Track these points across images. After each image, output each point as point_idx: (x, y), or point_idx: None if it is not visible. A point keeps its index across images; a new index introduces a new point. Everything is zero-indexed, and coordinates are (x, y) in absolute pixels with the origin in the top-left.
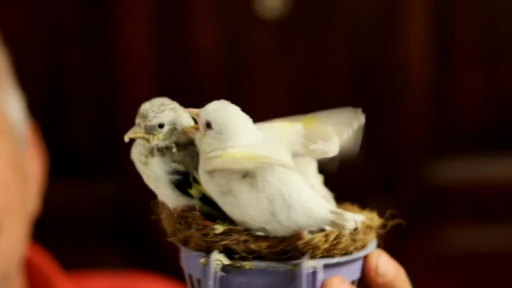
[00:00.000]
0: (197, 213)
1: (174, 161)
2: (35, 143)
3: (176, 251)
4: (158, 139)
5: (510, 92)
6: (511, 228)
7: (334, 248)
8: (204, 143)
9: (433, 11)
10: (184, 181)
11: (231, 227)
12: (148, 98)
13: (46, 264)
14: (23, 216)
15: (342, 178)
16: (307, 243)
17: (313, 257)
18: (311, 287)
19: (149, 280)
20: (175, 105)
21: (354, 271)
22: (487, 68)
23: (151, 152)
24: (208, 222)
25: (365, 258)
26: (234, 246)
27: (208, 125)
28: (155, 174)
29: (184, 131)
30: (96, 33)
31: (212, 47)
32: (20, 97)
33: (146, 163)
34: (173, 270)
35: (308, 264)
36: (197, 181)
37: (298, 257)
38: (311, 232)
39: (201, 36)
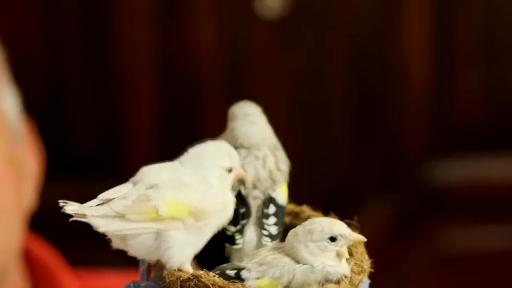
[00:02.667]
0: None
1: None
2: (32, 140)
3: None
4: None
5: (510, 92)
6: (511, 228)
7: None
8: None
9: (433, 11)
10: None
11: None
12: (148, 97)
13: (51, 260)
14: (18, 212)
15: (343, 178)
16: None
17: None
18: None
19: None
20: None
21: None
22: (487, 68)
23: None
24: None
25: None
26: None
27: None
28: None
29: None
30: (97, 32)
31: (212, 47)
32: (16, 93)
33: None
34: None
35: None
36: None
37: None
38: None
39: (201, 36)
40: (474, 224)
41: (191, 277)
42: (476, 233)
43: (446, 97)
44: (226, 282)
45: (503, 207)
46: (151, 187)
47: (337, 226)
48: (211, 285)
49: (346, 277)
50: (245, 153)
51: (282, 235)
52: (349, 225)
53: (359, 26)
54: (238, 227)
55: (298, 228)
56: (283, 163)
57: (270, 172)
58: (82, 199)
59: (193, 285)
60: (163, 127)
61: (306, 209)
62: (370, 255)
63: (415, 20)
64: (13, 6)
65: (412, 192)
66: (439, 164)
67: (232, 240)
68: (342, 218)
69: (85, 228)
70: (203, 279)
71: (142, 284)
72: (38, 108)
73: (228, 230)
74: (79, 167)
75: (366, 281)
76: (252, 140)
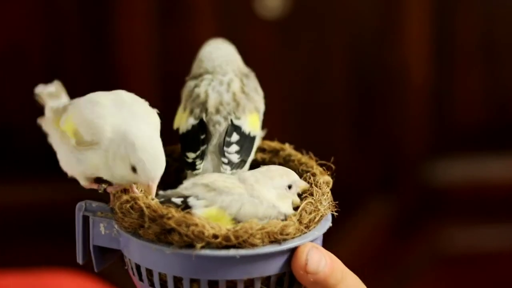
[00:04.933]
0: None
1: None
2: None
3: None
4: None
5: (510, 92)
6: (511, 228)
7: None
8: None
9: (433, 12)
10: None
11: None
12: (148, 96)
13: None
14: None
15: (343, 178)
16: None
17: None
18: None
19: (58, 275)
20: None
21: (274, 266)
22: (486, 68)
23: None
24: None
25: (294, 251)
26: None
27: None
28: None
29: None
30: (97, 32)
31: None
32: None
33: None
34: None
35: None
36: None
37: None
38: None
39: (201, 36)
40: (474, 224)
41: (129, 199)
42: (476, 233)
43: (446, 97)
44: (159, 205)
45: (503, 207)
46: (71, 103)
47: (291, 174)
48: (145, 208)
49: (294, 215)
50: (210, 79)
51: (251, 168)
52: (322, 165)
53: (359, 26)
54: (198, 152)
55: (257, 174)
56: (253, 92)
57: (234, 94)
58: (82, 199)
59: (129, 207)
60: (164, 126)
61: (287, 147)
62: (370, 255)
63: (415, 20)
64: (13, 6)
65: (412, 192)
66: (439, 164)
67: (193, 166)
68: (342, 218)
69: None
70: (139, 202)
71: (94, 205)
72: (38, 109)
73: (188, 158)
74: None
75: (325, 223)
76: (215, 62)
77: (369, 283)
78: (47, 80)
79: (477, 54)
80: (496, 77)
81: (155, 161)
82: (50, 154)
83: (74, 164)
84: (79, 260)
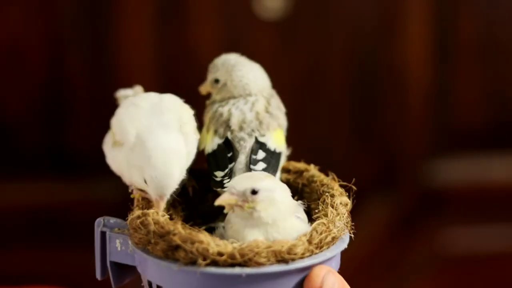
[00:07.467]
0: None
1: None
2: None
3: None
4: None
5: (510, 92)
6: (511, 228)
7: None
8: None
9: (434, 12)
10: None
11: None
12: None
13: None
14: None
15: (342, 178)
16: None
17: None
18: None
19: None
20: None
21: (283, 287)
22: (487, 68)
23: None
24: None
25: (305, 272)
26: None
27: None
28: None
29: None
30: (97, 33)
31: (211, 48)
32: None
33: None
34: None
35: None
36: None
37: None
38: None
39: (201, 37)
40: (474, 224)
41: (141, 215)
42: (476, 233)
43: (446, 97)
44: (168, 221)
45: (503, 207)
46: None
47: (238, 182)
48: (152, 224)
49: (305, 235)
50: (236, 99)
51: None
52: (343, 186)
53: (359, 26)
54: (226, 170)
55: None
56: (276, 109)
57: (257, 113)
58: (82, 199)
59: (140, 223)
60: None
61: (312, 168)
62: (370, 255)
63: (415, 20)
64: (13, 6)
65: (412, 192)
66: (439, 164)
67: (221, 185)
68: None
69: (83, 231)
70: (149, 218)
71: (111, 221)
72: (39, 109)
73: (216, 177)
74: (79, 167)
75: (340, 245)
76: (259, 86)
77: (369, 283)
78: (47, 80)
79: (477, 54)
80: (496, 77)
81: (165, 179)
82: (50, 154)
83: (110, 160)
84: (98, 276)
